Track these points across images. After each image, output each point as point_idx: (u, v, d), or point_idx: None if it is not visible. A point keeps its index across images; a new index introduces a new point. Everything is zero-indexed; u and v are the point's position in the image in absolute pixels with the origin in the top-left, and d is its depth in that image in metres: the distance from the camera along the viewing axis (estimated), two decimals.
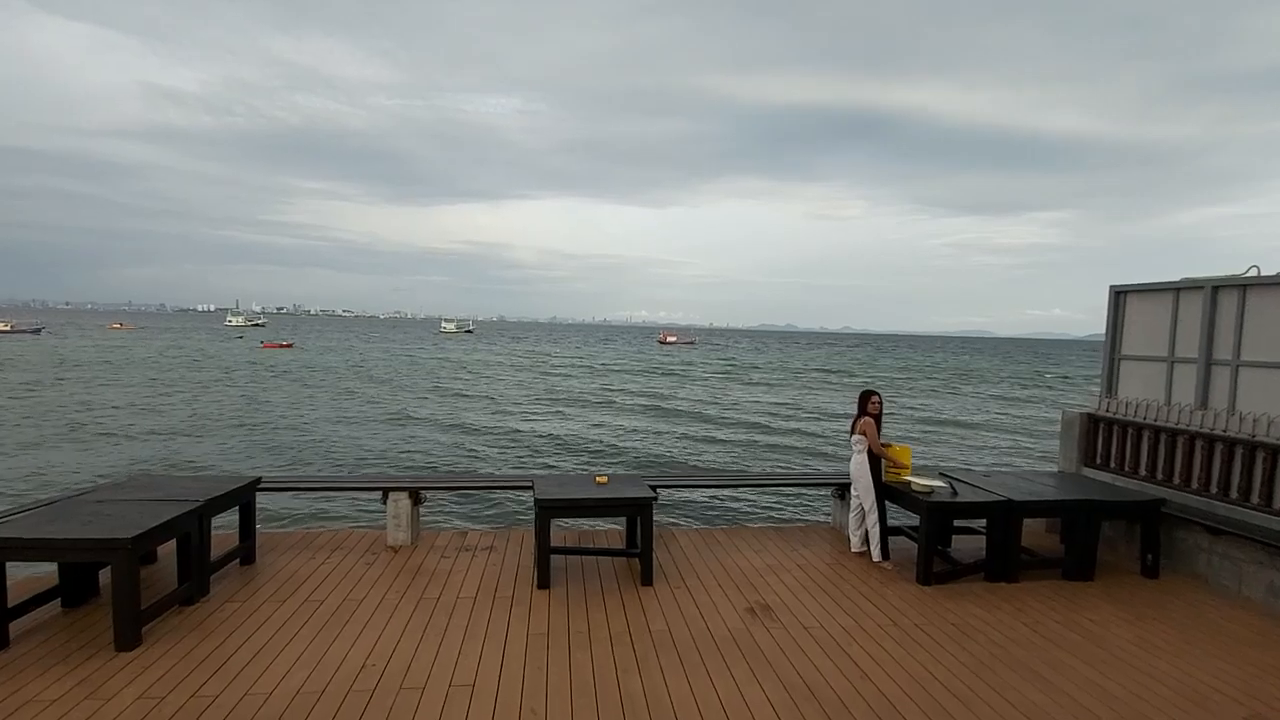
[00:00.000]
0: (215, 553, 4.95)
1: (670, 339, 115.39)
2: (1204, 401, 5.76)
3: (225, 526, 5.48)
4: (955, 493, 5.40)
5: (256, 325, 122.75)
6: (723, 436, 21.10)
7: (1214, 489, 5.48)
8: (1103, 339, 6.82)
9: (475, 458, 16.23)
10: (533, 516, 5.15)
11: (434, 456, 16.45)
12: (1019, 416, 29.86)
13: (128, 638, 3.80)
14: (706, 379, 44.04)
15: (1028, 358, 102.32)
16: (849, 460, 5.81)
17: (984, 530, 5.58)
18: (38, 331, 78.01)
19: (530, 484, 5.59)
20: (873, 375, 52.70)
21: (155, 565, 5.16)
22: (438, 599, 4.71)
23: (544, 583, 4.93)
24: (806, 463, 17.45)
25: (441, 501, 10.72)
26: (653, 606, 4.64)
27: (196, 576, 4.53)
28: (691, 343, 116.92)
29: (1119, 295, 6.69)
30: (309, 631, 4.14)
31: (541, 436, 19.98)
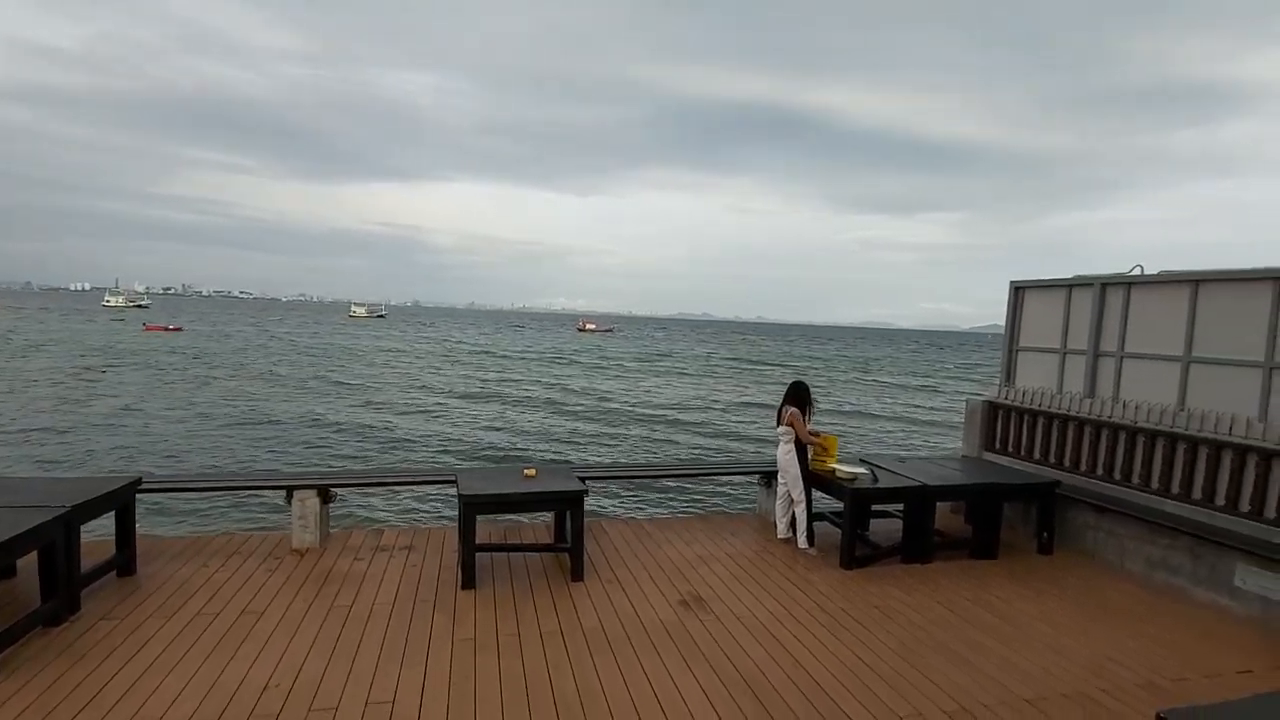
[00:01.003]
0: (87, 564, 4.35)
1: (589, 327, 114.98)
2: (1092, 390, 6.24)
3: (100, 533, 4.87)
4: (876, 479, 5.59)
5: (139, 306, 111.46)
6: (640, 428, 21.16)
7: (1100, 471, 5.96)
8: (989, 331, 7.28)
9: (371, 452, 15.43)
10: (456, 513, 4.89)
11: (336, 451, 15.52)
12: (921, 405, 31.80)
13: None
14: (625, 367, 44.14)
15: (925, 348, 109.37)
16: (774, 449, 5.89)
17: (899, 514, 5.83)
18: None
19: (454, 478, 5.30)
20: (790, 365, 54.61)
21: (13, 580, 4.51)
22: (350, 607, 4.36)
23: (469, 583, 4.68)
24: (730, 452, 17.79)
25: (352, 498, 10.12)
26: (584, 602, 4.51)
27: (64, 592, 3.97)
28: (610, 330, 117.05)
29: (1018, 291, 7.14)
30: (200, 651, 3.72)
31: (439, 429, 19.14)
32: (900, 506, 5.71)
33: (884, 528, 6.15)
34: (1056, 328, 6.63)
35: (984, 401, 7.20)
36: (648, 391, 31.27)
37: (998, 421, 7.04)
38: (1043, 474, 6.28)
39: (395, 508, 10.31)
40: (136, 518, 4.88)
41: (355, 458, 15.03)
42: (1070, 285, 6.50)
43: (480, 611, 4.32)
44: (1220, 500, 5.05)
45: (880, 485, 5.49)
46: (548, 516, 6.09)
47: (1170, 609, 4.81)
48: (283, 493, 5.46)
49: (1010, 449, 6.87)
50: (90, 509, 4.26)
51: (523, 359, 47.50)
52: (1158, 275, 5.77)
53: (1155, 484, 5.50)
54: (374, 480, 6.05)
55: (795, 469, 5.64)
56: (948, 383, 44.46)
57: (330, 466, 13.69)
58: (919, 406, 30.65)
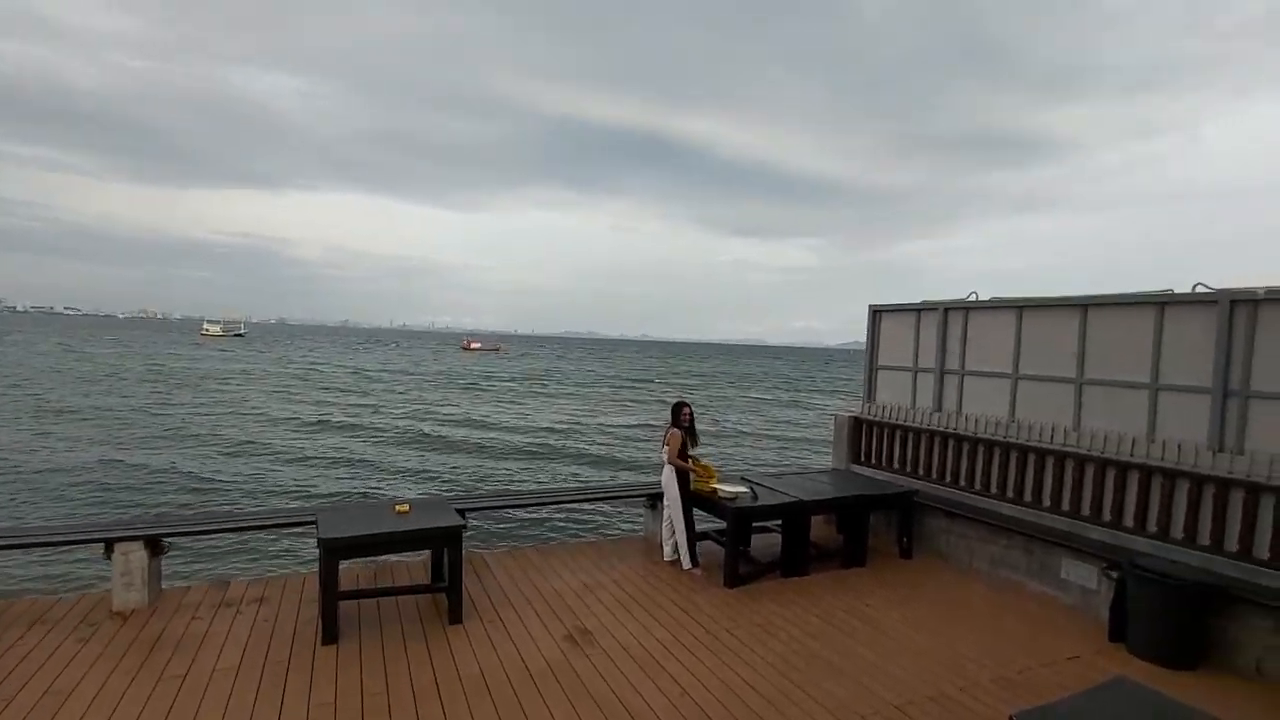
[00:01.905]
0: None
1: (474, 346, 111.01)
2: (939, 404, 6.85)
3: None
4: (756, 497, 5.76)
5: None
6: (523, 452, 20.66)
7: (949, 479, 6.54)
8: (851, 348, 7.84)
9: (212, 495, 13.79)
10: (316, 558, 4.42)
11: (165, 497, 13.72)
12: (793, 419, 33.64)
13: None
14: (512, 389, 43.12)
15: (797, 364, 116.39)
16: (660, 471, 5.92)
17: (778, 529, 6.04)
18: None
19: (313, 519, 4.80)
20: (674, 382, 55.86)
21: None
22: (185, 675, 3.80)
23: (331, 637, 4.24)
24: (617, 474, 17.74)
25: (189, 548, 8.95)
26: (463, 648, 4.23)
27: None
28: (496, 349, 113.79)
29: (876, 313, 7.73)
30: None
31: (295, 467, 17.44)
32: (778, 521, 5.91)
33: (763, 543, 6.34)
34: (909, 348, 7.24)
35: (850, 417, 7.69)
36: (531, 413, 30.67)
37: (862, 435, 7.55)
38: (901, 484, 6.79)
39: (243, 557, 9.25)
40: None
41: (189, 505, 13.36)
42: (919, 309, 7.13)
43: (343, 669, 3.92)
44: (1046, 502, 5.69)
45: (760, 503, 5.66)
46: (424, 554, 5.69)
47: (1011, 604, 5.32)
48: (100, 546, 4.68)
49: (874, 461, 7.38)
50: None
51: (399, 381, 44.98)
52: (990, 301, 6.47)
53: (994, 489, 6.11)
54: (216, 526, 5.34)
55: (674, 488, 5.69)
56: (816, 398, 47.49)
57: (159, 512, 12.07)
58: (791, 421, 32.42)
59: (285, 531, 9.14)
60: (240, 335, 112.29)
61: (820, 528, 7.03)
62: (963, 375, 6.65)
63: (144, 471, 15.50)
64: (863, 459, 7.52)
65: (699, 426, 6.12)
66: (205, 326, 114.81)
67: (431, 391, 38.66)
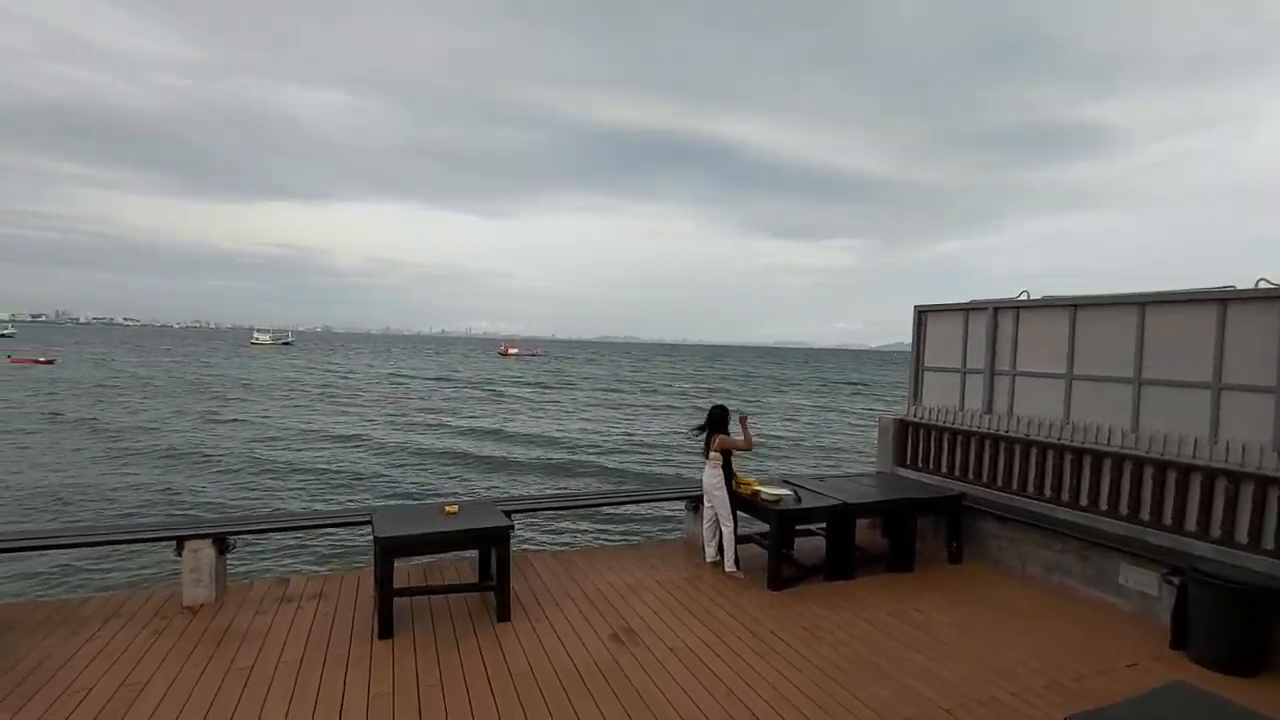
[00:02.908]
0: None
1: (512, 351, 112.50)
2: (989, 406, 6.69)
3: None
4: (799, 499, 5.72)
5: (3, 335, 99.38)
6: (565, 454, 20.88)
7: (1000, 482, 6.37)
8: (895, 349, 7.72)
9: (273, 496, 14.35)
10: (371, 555, 4.58)
11: (232, 497, 14.34)
12: (836, 422, 33.15)
13: None
14: (549, 392, 43.61)
15: (834, 367, 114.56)
16: (700, 473, 5.93)
17: (822, 531, 5.99)
18: None
19: (368, 519, 4.98)
20: (713, 386, 55.65)
21: None
22: (252, 667, 3.98)
23: (386, 632, 4.38)
24: (658, 477, 17.77)
25: (254, 545, 9.34)
26: (511, 645, 4.32)
27: None
28: (534, 354, 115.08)
29: (921, 314, 7.59)
30: None
31: (352, 468, 18.03)
32: (822, 524, 5.87)
33: (807, 546, 6.29)
34: (957, 349, 7.09)
35: (895, 419, 7.57)
36: (571, 416, 30.97)
37: (908, 438, 7.41)
38: (950, 487, 6.65)
39: (303, 554, 9.61)
40: None
41: (254, 503, 13.94)
42: (967, 309, 6.98)
43: (399, 662, 4.05)
44: (1103, 506, 5.50)
45: (804, 506, 5.62)
46: (471, 554, 5.83)
47: (1067, 609, 5.16)
48: (172, 544, 4.95)
49: (920, 464, 7.24)
50: None
51: (443, 386, 45.98)
52: (1041, 300, 6.29)
53: (1048, 493, 5.94)
54: (278, 525, 5.58)
55: (723, 493, 5.69)
56: (857, 400, 46.67)
57: (226, 512, 12.62)
58: (832, 425, 31.95)
59: (341, 530, 9.46)
60: (288, 343, 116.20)
61: (865, 532, 6.94)
62: (1014, 376, 6.48)
63: (222, 472, 16.28)
64: (908, 462, 7.39)
65: (735, 429, 6.10)
66: (255, 335, 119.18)
67: (479, 394, 39.42)
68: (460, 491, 15.29)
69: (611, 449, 21.64)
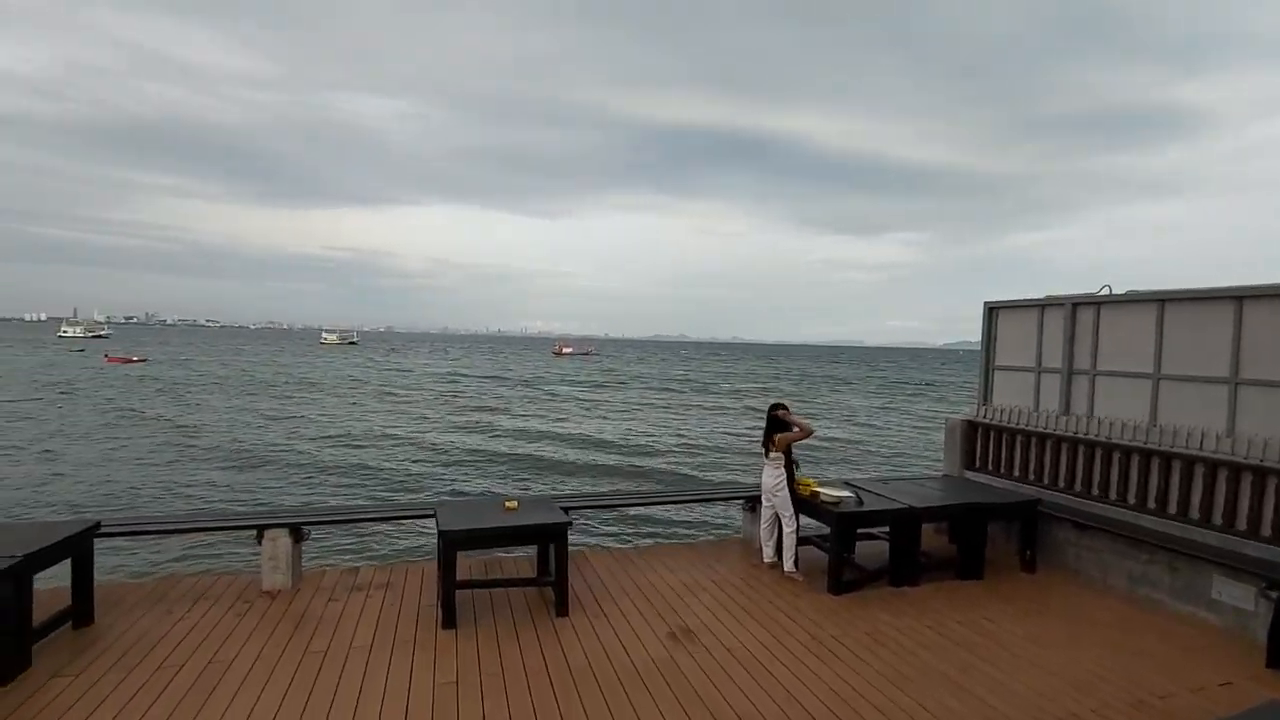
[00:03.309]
0: (40, 615, 4.09)
1: (566, 350, 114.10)
2: (1067, 407, 6.35)
3: (55, 580, 4.59)
4: (861, 502, 5.57)
5: (98, 336, 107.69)
6: (620, 454, 20.99)
7: (1079, 487, 6.04)
8: (960, 347, 7.40)
9: (343, 488, 14.97)
10: (434, 548, 4.73)
11: (306, 487, 15.06)
12: (896, 423, 32.18)
13: None
14: (603, 391, 43.98)
15: (895, 366, 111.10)
16: (758, 473, 5.85)
17: (884, 535, 5.81)
18: None
19: (432, 512, 5.14)
20: (771, 386, 54.94)
21: None
22: (326, 651, 4.17)
23: (450, 622, 4.51)
24: (714, 476, 17.67)
25: (326, 535, 9.78)
26: (570, 639, 4.38)
27: (13, 648, 3.73)
28: (587, 354, 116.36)
29: (992, 311, 7.27)
30: (164, 705, 3.50)
31: (413, 464, 18.63)
32: (885, 528, 5.69)
33: (869, 550, 6.11)
34: (1030, 347, 6.75)
35: (963, 420, 7.28)
36: (622, 416, 31.15)
37: (977, 440, 7.11)
38: (1023, 492, 6.34)
39: (371, 545, 10.00)
40: (96, 563, 4.62)
41: (326, 495, 14.61)
42: (1042, 305, 6.64)
43: (462, 652, 4.17)
44: (1194, 514, 5.14)
45: (866, 508, 5.47)
46: (530, 549, 5.94)
47: (1152, 623, 4.84)
48: (252, 533, 5.24)
49: (990, 467, 6.94)
50: (44, 558, 4.03)
51: (499, 384, 47.05)
52: (1125, 295, 5.92)
53: (1132, 499, 5.59)
54: (349, 517, 5.84)
55: (785, 493, 5.59)
56: (920, 401, 45.13)
57: (301, 503, 13.28)
58: (893, 426, 31.01)
59: (405, 523, 9.79)
60: (353, 343, 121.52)
61: (932, 538, 6.70)
62: (1093, 375, 6.13)
63: (300, 465, 17.17)
64: (978, 465, 7.09)
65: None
66: (324, 336, 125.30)
67: (536, 393, 40.15)
68: (513, 489, 15.60)
69: (663, 449, 21.62)
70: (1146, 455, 5.49)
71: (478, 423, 26.16)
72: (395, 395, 36.73)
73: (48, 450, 18.37)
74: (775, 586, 5.41)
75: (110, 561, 8.78)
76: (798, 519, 5.63)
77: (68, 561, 4.37)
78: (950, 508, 5.83)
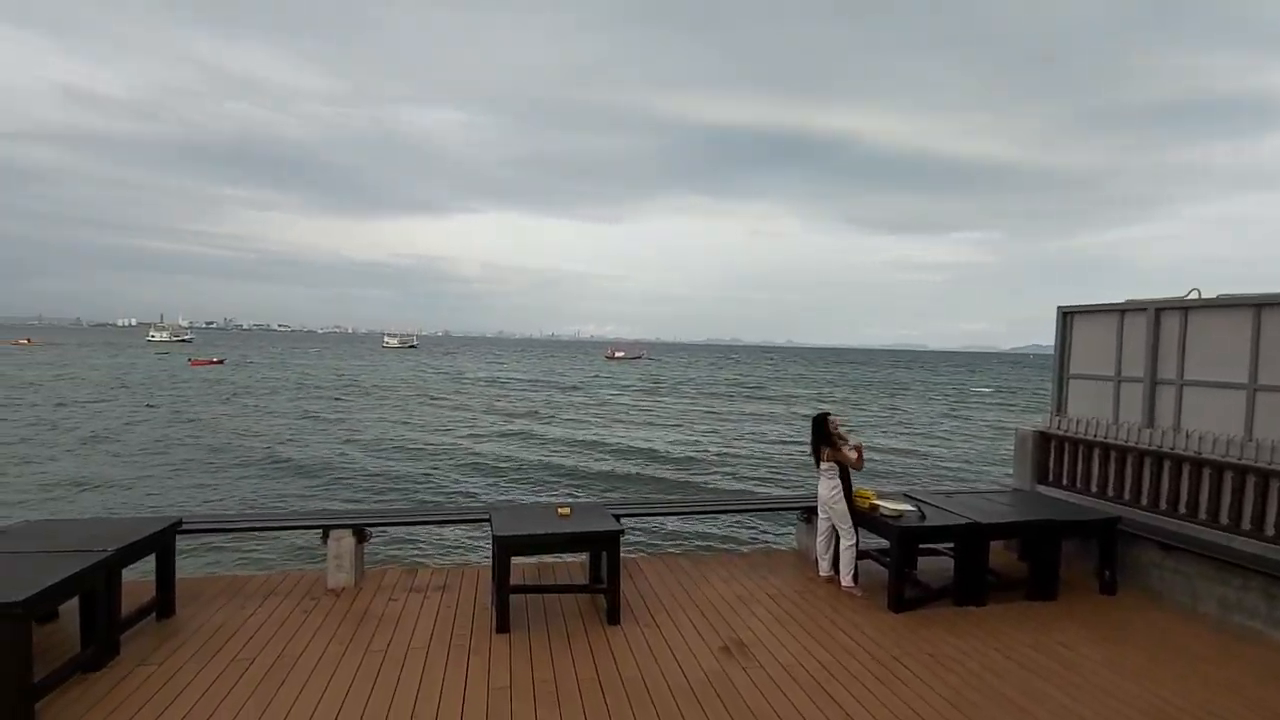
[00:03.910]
0: (127, 606, 4.36)
1: (618, 354, 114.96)
2: (1151, 419, 5.94)
3: (140, 573, 4.89)
4: (923, 516, 5.35)
5: (182, 341, 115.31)
6: (671, 462, 20.92)
7: (1164, 505, 5.64)
8: (1029, 351, 7.03)
9: (401, 490, 15.45)
10: (489, 551, 4.80)
11: (365, 488, 15.60)
12: (959, 432, 30.96)
13: None
14: (658, 396, 43.97)
15: (958, 371, 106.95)
16: (815, 484, 5.70)
17: (949, 551, 5.57)
18: None
19: (487, 517, 5.23)
20: (825, 391, 53.84)
21: (55, 624, 4.53)
22: (386, 649, 4.29)
23: (503, 626, 4.57)
24: (767, 485, 17.40)
25: (383, 534, 10.11)
26: (622, 649, 4.36)
27: (104, 637, 3.98)
28: (639, 357, 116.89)
29: (1066, 316, 6.88)
30: (237, 697, 3.67)
31: (469, 468, 19.04)
32: (950, 544, 5.46)
33: (932, 566, 5.87)
34: (1109, 354, 6.36)
35: (1035, 431, 6.91)
36: (674, 422, 31.06)
37: (1050, 452, 6.74)
38: (1102, 508, 5.96)
39: (429, 545, 10.28)
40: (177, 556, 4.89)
41: (383, 496, 15.11)
42: (1122, 310, 6.25)
43: (515, 657, 4.21)
44: None
45: (929, 524, 5.25)
46: (582, 554, 5.96)
47: (1245, 655, 4.46)
48: (319, 532, 5.45)
49: (1065, 482, 6.56)
50: (132, 552, 4.29)
51: (550, 389, 47.70)
52: (1217, 299, 5.51)
53: (1225, 519, 5.18)
54: (408, 519, 6.02)
55: (843, 505, 5.43)
56: (986, 409, 43.27)
57: (364, 504, 13.78)
58: (955, 435, 29.84)
59: (461, 526, 10.02)
60: (413, 347, 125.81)
61: (1000, 555, 6.39)
62: (1180, 386, 5.72)
63: (359, 469, 17.86)
64: (1051, 479, 6.71)
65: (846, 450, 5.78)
66: (385, 340, 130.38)
67: (588, 397, 40.54)
68: (561, 496, 15.73)
69: (713, 457, 21.43)
70: (1241, 472, 5.07)
71: (525, 429, 26.55)
72: (447, 400, 37.76)
73: (124, 448, 19.71)
74: (832, 601, 5.26)
75: (190, 557, 9.31)
76: (856, 532, 5.46)
77: (152, 556, 4.65)
78: (1022, 524, 5.54)
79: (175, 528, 4.85)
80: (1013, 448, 7.30)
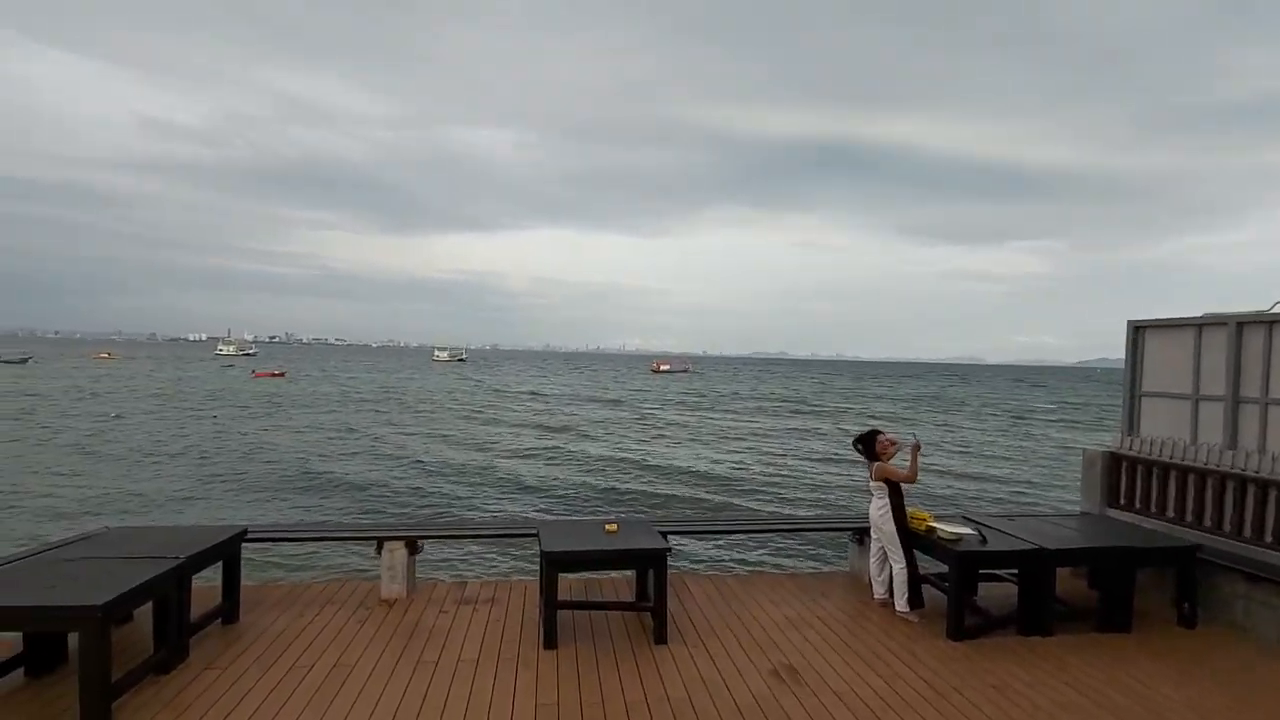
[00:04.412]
0: (195, 611, 4.56)
1: (664, 368, 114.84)
2: (1233, 441, 5.57)
3: (206, 579, 5.11)
4: (984, 540, 5.13)
5: (247, 354, 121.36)
6: (716, 480, 20.69)
7: (1249, 533, 5.25)
8: (1097, 366, 6.68)
9: (448, 502, 15.74)
10: (536, 566, 4.83)
11: (414, 501, 15.96)
12: (1014, 453, 29.70)
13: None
14: (703, 410, 43.69)
15: (1018, 386, 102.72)
16: (867, 504, 5.55)
17: (1011, 578, 5.32)
18: (25, 361, 76.69)
19: (535, 532, 5.27)
20: (873, 407, 52.55)
21: (129, 626, 4.77)
22: (437, 661, 4.35)
23: (551, 642, 4.58)
24: (819, 504, 17.03)
25: (436, 547, 10.31)
26: (669, 670, 4.31)
27: (174, 641, 4.17)
28: (685, 371, 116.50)
29: (1138, 330, 6.54)
30: (296, 704, 3.78)
31: (521, 478, 19.33)
32: (1013, 570, 5.21)
33: (993, 593, 5.62)
34: (1186, 371, 6.00)
35: (1105, 452, 6.56)
36: (722, 435, 30.78)
37: (1121, 475, 6.38)
38: (1178, 535, 5.60)
39: (477, 558, 10.43)
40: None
41: (427, 509, 15.42)
42: (1200, 324, 5.90)
43: (563, 675, 4.20)
44: None
45: (990, 548, 5.03)
46: (629, 571, 5.94)
47: None
48: (373, 544, 5.59)
49: (1138, 506, 6.19)
50: (202, 559, 4.49)
51: (593, 404, 48.00)
52: None
53: None
54: (459, 533, 6.13)
55: (890, 526, 5.27)
56: (1049, 427, 41.36)
57: (415, 517, 14.10)
58: (1015, 455, 28.59)
59: (509, 541, 10.13)
60: (462, 360, 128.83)
61: (1068, 583, 6.06)
62: (1265, 405, 5.35)
63: (412, 483, 18.34)
64: (1122, 502, 6.35)
65: (897, 459, 5.59)
66: (435, 353, 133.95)
67: (638, 412, 40.60)
68: (607, 513, 15.72)
69: (758, 474, 21.08)
70: None
71: (566, 444, 26.64)
72: (490, 414, 38.40)
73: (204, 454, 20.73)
74: (886, 626, 5.08)
75: (257, 565, 9.68)
76: (907, 555, 5.27)
77: (219, 564, 4.86)
78: (1093, 550, 5.24)
79: (241, 536, 5.05)
80: (1078, 469, 6.95)
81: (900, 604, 5.27)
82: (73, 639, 4.21)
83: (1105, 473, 6.51)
